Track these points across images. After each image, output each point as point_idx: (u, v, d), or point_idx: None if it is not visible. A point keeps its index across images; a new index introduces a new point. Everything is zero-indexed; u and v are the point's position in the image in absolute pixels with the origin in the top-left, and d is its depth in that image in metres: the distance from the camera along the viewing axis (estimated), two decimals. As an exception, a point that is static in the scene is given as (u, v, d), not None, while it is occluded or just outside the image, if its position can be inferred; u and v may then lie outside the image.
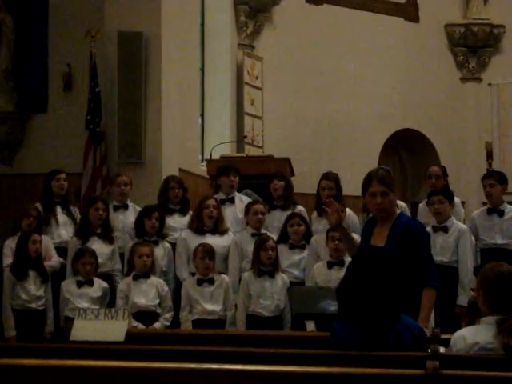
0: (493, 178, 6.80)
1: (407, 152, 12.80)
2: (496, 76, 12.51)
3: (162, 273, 6.49)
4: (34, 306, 6.29)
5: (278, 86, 11.33)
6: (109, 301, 6.27)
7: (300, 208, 6.96)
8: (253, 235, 6.52)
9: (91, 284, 6.23)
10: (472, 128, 12.64)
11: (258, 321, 6.01)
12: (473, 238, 6.64)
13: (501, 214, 6.73)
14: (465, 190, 10.96)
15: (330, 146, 11.59)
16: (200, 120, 10.60)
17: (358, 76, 11.87)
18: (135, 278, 6.16)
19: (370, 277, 3.41)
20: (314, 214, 6.92)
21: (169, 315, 6.16)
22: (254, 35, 11.32)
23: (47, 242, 6.64)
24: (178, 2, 9.01)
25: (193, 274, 6.34)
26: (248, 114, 10.96)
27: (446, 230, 6.43)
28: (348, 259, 5.67)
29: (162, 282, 6.25)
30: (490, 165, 10.69)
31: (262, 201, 6.88)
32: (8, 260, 6.56)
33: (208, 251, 6.10)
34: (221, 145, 9.19)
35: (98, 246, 6.53)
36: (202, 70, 10.77)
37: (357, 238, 5.08)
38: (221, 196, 6.98)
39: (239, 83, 11.01)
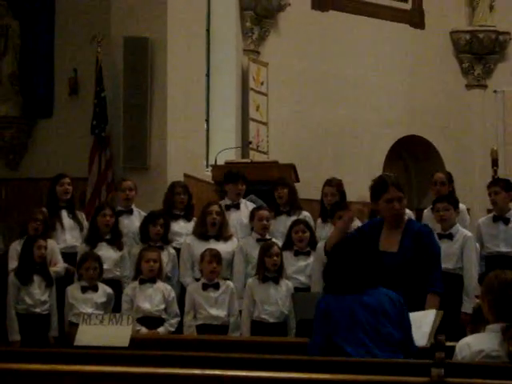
0: (498, 186, 6.79)
1: (412, 158, 12.79)
2: (501, 83, 12.48)
3: (166, 278, 6.49)
4: (38, 310, 6.29)
5: (284, 91, 11.33)
6: (117, 306, 6.24)
7: (305, 214, 6.96)
8: (258, 241, 6.52)
9: (96, 289, 6.23)
10: (477, 135, 12.62)
11: (262, 327, 6.00)
12: (478, 245, 6.63)
13: (506, 221, 6.72)
14: (470, 197, 10.93)
15: (335, 152, 11.59)
16: (205, 125, 10.61)
17: (363, 82, 11.87)
18: (141, 282, 6.16)
19: (350, 255, 3.84)
20: (319, 220, 6.92)
21: (174, 321, 6.16)
22: (259, 41, 11.33)
23: (53, 247, 6.64)
24: (184, 7, 9.02)
25: (196, 280, 6.34)
26: (253, 120, 10.97)
27: (450, 237, 6.42)
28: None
29: (168, 287, 6.25)
30: (495, 172, 10.65)
31: (267, 206, 6.89)
32: (14, 263, 6.57)
33: (215, 255, 6.12)
34: (226, 150, 9.19)
35: (105, 252, 6.54)
36: (208, 75, 10.78)
37: None
38: (226, 202, 6.98)
39: (244, 89, 11.02)
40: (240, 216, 6.98)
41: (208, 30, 10.83)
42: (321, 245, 6.45)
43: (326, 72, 11.64)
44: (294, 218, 6.75)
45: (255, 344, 4.42)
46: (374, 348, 3.70)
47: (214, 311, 6.06)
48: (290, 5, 11.30)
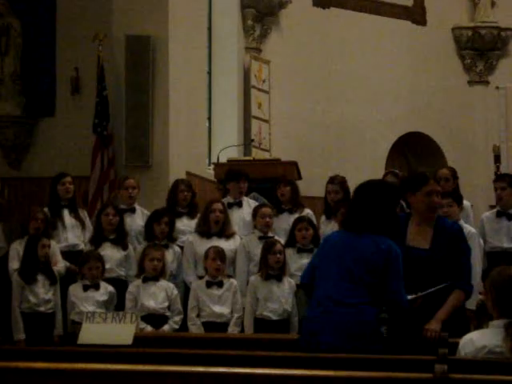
0: (504, 181, 6.78)
1: (414, 155, 12.78)
2: (503, 79, 12.47)
3: (171, 276, 6.49)
4: (42, 309, 6.30)
5: (285, 89, 11.33)
6: (120, 305, 6.24)
7: (307, 211, 6.96)
8: (260, 238, 6.52)
9: (97, 288, 6.23)
10: (479, 131, 12.62)
11: (265, 324, 6.00)
12: (481, 240, 6.62)
13: (510, 217, 6.71)
14: (472, 194, 10.93)
15: (338, 149, 11.59)
16: (207, 123, 10.61)
17: (364, 79, 11.86)
18: (145, 280, 6.16)
19: (362, 197, 4.21)
20: (323, 217, 6.92)
21: (178, 318, 6.16)
22: (261, 38, 11.33)
23: (54, 247, 6.63)
24: (186, 5, 9.02)
25: (200, 278, 6.34)
26: (255, 118, 10.97)
27: (455, 233, 6.41)
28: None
29: (171, 285, 6.26)
30: (497, 168, 10.66)
31: (270, 204, 6.89)
32: (14, 263, 6.57)
33: (220, 253, 6.13)
34: (228, 148, 9.19)
35: (110, 252, 6.54)
36: (210, 73, 10.78)
37: None
38: (229, 200, 6.98)
39: (246, 86, 11.02)
40: (242, 214, 6.98)
41: (209, 28, 10.83)
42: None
43: (327, 69, 11.64)
44: (296, 215, 6.75)
45: (258, 341, 4.42)
46: (340, 284, 4.01)
47: (217, 309, 6.07)
48: (291, 2, 11.31)
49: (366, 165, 11.01)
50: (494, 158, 11.15)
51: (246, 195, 7.17)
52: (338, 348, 3.83)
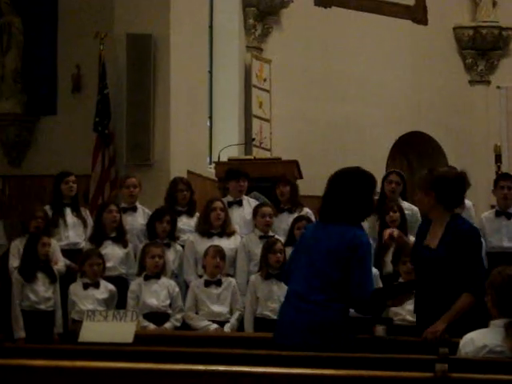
0: (510, 180, 6.76)
1: (416, 155, 12.77)
2: (505, 79, 12.47)
3: (173, 275, 6.49)
4: (42, 307, 6.30)
5: (286, 88, 11.33)
6: (122, 304, 6.24)
7: (306, 210, 6.96)
8: (260, 237, 6.52)
9: (97, 286, 6.23)
10: (480, 131, 12.61)
11: (265, 323, 6.00)
12: (483, 241, 6.60)
13: (509, 216, 6.70)
14: (473, 193, 10.92)
15: (339, 148, 11.58)
16: (208, 122, 10.62)
17: (365, 78, 11.86)
18: (146, 278, 6.16)
19: (332, 186, 4.23)
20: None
21: (179, 316, 6.16)
22: (262, 38, 11.34)
23: (54, 246, 6.63)
24: (187, 4, 9.02)
25: (199, 277, 6.34)
26: (256, 117, 10.97)
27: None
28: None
29: (172, 282, 6.26)
30: (498, 168, 10.65)
31: (270, 203, 6.88)
32: (15, 261, 6.57)
33: (220, 251, 6.13)
34: (229, 147, 9.19)
35: (111, 250, 6.53)
36: (211, 72, 10.78)
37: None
38: (229, 199, 6.98)
39: (247, 85, 11.02)
40: (242, 213, 6.97)
41: (211, 27, 10.84)
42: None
43: (329, 68, 11.63)
44: (295, 215, 6.75)
45: (258, 340, 4.42)
46: (306, 279, 4.00)
47: (216, 308, 6.07)
48: (292, 1, 11.31)
49: (366, 164, 10.83)
50: (494, 158, 11.14)
51: (247, 194, 7.17)
52: (300, 345, 3.85)
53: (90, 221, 7.07)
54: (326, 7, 11.87)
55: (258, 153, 10.32)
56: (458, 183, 4.49)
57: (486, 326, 3.53)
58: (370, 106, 11.85)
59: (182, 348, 4.00)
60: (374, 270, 5.31)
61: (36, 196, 8.27)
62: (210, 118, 10.77)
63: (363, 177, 4.26)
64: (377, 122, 11.89)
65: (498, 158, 10.99)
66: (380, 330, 5.11)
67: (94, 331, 4.29)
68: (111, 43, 8.45)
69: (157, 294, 6.12)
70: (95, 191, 8.16)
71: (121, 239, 6.63)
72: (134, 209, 7.03)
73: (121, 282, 6.47)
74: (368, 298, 4.01)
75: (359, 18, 12.01)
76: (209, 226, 6.56)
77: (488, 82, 12.82)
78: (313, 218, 6.83)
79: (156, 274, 6.16)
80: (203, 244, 6.43)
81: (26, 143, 8.91)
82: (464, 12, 12.88)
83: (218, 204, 6.59)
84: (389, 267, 6.38)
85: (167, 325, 6.06)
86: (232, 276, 6.38)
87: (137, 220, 6.97)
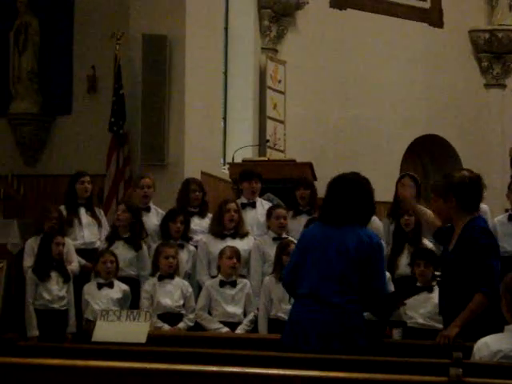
0: None
1: (430, 158, 12.73)
2: (520, 82, 12.43)
3: (186, 276, 6.50)
4: (56, 306, 6.32)
5: (301, 90, 11.31)
6: (133, 304, 6.25)
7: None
8: (274, 239, 6.51)
9: (111, 286, 6.25)
10: (496, 134, 12.55)
11: (279, 325, 5.98)
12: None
13: (522, 220, 6.67)
14: (488, 197, 10.87)
15: (353, 150, 11.55)
16: (222, 123, 10.62)
17: (381, 81, 11.83)
18: (160, 278, 6.17)
19: (340, 189, 4.18)
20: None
21: (192, 316, 6.17)
22: (277, 39, 11.33)
23: (68, 245, 6.65)
24: (203, 5, 9.04)
25: (213, 278, 6.34)
26: (270, 118, 10.96)
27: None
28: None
29: (186, 283, 6.27)
30: (514, 172, 10.59)
31: (284, 205, 6.88)
32: (29, 260, 6.59)
33: (236, 252, 6.14)
34: (243, 148, 9.19)
35: (122, 250, 6.53)
36: (225, 73, 10.79)
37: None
38: (242, 200, 6.98)
39: (262, 87, 11.01)
40: (256, 214, 6.97)
41: (226, 28, 10.84)
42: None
43: (343, 70, 11.61)
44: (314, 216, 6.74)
45: (272, 342, 4.42)
46: (324, 282, 3.96)
47: (230, 308, 6.07)
48: (308, 3, 11.29)
49: (380, 167, 10.97)
50: (510, 162, 11.08)
51: (261, 196, 7.16)
52: (323, 350, 3.81)
53: (104, 221, 7.09)
54: (341, 9, 11.85)
55: (271, 154, 10.31)
56: (476, 186, 4.52)
57: (500, 330, 3.51)
58: (384, 109, 11.82)
59: (195, 349, 4.00)
60: (387, 273, 5.31)
61: (51, 196, 8.31)
62: (225, 119, 10.77)
63: (366, 181, 4.29)
64: (391, 125, 11.86)
65: (514, 162, 10.92)
66: (396, 333, 5.11)
67: (108, 331, 4.30)
68: (127, 44, 8.48)
69: (171, 294, 6.13)
70: (109, 191, 8.18)
71: (133, 240, 6.62)
72: (148, 209, 7.04)
73: (131, 283, 6.47)
74: (384, 300, 4.03)
75: (374, 21, 11.98)
76: (222, 227, 6.56)
77: (504, 86, 12.75)
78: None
79: (169, 274, 6.18)
80: (216, 245, 6.44)
81: (41, 143, 8.95)
82: (480, 15, 12.82)
83: (232, 205, 6.59)
84: (401, 270, 6.38)
85: (181, 325, 6.06)
86: (245, 277, 6.38)
87: (150, 220, 6.98)
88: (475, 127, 12.52)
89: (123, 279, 6.42)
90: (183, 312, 6.15)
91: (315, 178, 8.21)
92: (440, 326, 4.68)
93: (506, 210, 7.48)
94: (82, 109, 8.84)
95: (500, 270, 4.27)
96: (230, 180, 8.31)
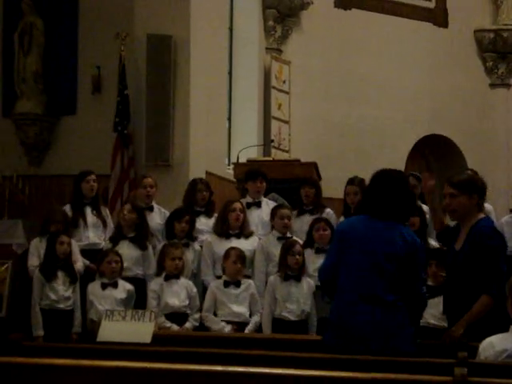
0: None
1: (435, 158, 12.72)
2: (525, 82, 12.42)
3: (192, 275, 6.50)
4: (62, 306, 6.32)
5: (306, 90, 11.32)
6: (138, 304, 6.25)
7: (328, 211, 6.95)
8: (278, 239, 6.51)
9: (115, 286, 6.25)
10: (500, 134, 12.54)
11: (283, 325, 5.99)
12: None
13: (528, 220, 6.66)
14: (492, 197, 10.85)
15: (358, 150, 11.56)
16: (227, 123, 10.63)
17: (385, 81, 11.83)
18: (166, 278, 6.18)
19: (384, 184, 4.17)
20: (342, 218, 6.90)
21: (198, 315, 6.18)
22: (281, 39, 11.33)
23: (73, 246, 6.66)
24: (207, 5, 9.04)
25: (217, 278, 6.34)
26: (275, 118, 10.97)
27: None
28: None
29: (190, 283, 6.27)
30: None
31: (289, 205, 6.88)
32: (34, 260, 6.60)
33: (241, 256, 6.12)
34: (247, 148, 9.19)
35: (127, 250, 6.53)
36: (230, 73, 10.80)
37: None
38: (248, 200, 6.98)
39: (267, 87, 11.02)
40: (261, 214, 6.97)
41: (231, 28, 10.85)
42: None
43: (348, 70, 11.61)
44: (317, 216, 6.74)
45: (277, 341, 4.42)
46: (373, 280, 3.90)
47: (235, 308, 6.07)
48: (312, 3, 11.30)
49: (385, 166, 10.94)
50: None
51: (265, 195, 7.16)
52: (381, 349, 3.77)
53: (109, 221, 7.09)
54: (345, 9, 11.86)
55: (276, 154, 10.31)
56: (485, 187, 4.64)
57: (506, 330, 3.51)
58: (389, 109, 11.81)
59: (199, 348, 4.00)
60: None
61: (56, 196, 8.32)
62: (229, 119, 10.78)
63: (407, 179, 4.31)
64: (396, 125, 11.85)
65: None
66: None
67: (113, 331, 4.31)
68: (131, 44, 8.49)
69: (177, 294, 6.13)
70: (114, 191, 8.19)
71: (139, 240, 6.63)
72: (151, 208, 7.05)
73: (137, 283, 6.47)
74: (422, 300, 4.09)
75: (379, 21, 11.98)
76: (227, 226, 6.56)
77: (508, 85, 12.75)
78: (334, 219, 6.83)
79: (175, 274, 6.18)
80: (221, 245, 6.44)
81: (46, 143, 8.96)
82: (485, 15, 12.81)
83: (238, 205, 6.59)
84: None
85: (187, 325, 6.07)
86: (249, 277, 6.38)
87: (154, 220, 6.98)
88: (480, 127, 12.51)
89: (129, 279, 6.42)
90: (189, 312, 6.15)
91: (320, 178, 8.21)
92: None
93: (511, 210, 7.46)
94: (87, 109, 8.85)
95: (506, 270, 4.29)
96: (234, 180, 8.32)
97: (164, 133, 8.40)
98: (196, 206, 6.92)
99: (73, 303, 6.35)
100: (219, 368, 3.28)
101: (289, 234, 6.57)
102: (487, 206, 6.94)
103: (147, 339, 4.22)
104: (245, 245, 6.46)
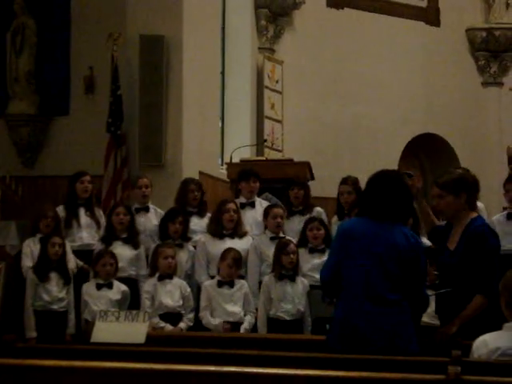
0: None
1: (428, 157, 12.74)
2: (518, 81, 12.44)
3: (186, 276, 6.50)
4: (55, 307, 6.31)
5: (299, 89, 11.32)
6: (132, 305, 6.25)
7: (318, 209, 6.96)
8: (272, 239, 6.51)
9: (110, 287, 6.24)
10: (493, 133, 12.56)
11: (278, 324, 6.00)
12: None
13: (521, 219, 6.68)
14: (486, 195, 10.88)
15: (351, 150, 11.57)
16: (220, 123, 10.62)
17: (378, 80, 11.84)
18: (160, 278, 6.18)
19: (384, 186, 4.11)
20: (335, 217, 6.91)
21: (191, 315, 6.20)
22: (274, 39, 11.33)
23: (65, 247, 6.65)
24: (200, 5, 9.04)
25: (211, 277, 6.35)
26: (268, 118, 10.96)
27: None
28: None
29: (184, 282, 6.29)
30: (511, 170, 10.61)
31: (282, 205, 6.88)
32: (26, 261, 6.59)
33: (237, 260, 6.12)
34: (241, 148, 9.19)
35: (121, 250, 6.52)
36: (223, 73, 10.79)
37: None
38: (241, 200, 6.98)
39: (259, 87, 11.02)
40: (255, 214, 6.97)
41: (223, 28, 10.84)
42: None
43: (341, 70, 11.62)
44: (306, 217, 6.75)
45: (271, 341, 4.42)
46: (377, 281, 3.89)
47: (229, 307, 6.07)
48: (304, 2, 11.30)
49: (378, 166, 10.79)
50: (507, 160, 11.10)
51: (259, 195, 7.16)
52: (386, 349, 3.76)
53: (103, 221, 7.08)
54: (338, 8, 11.86)
55: (269, 154, 10.31)
56: (477, 184, 4.56)
57: (499, 328, 3.52)
58: (381, 108, 11.83)
59: (193, 349, 4.00)
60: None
61: (49, 197, 8.29)
62: (222, 119, 10.77)
63: (406, 180, 4.28)
64: (389, 124, 11.87)
65: (511, 160, 10.94)
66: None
67: (107, 332, 4.30)
68: (124, 44, 8.47)
69: (171, 294, 6.14)
70: (107, 192, 8.18)
71: (132, 240, 6.63)
72: (147, 209, 7.05)
73: (130, 283, 6.47)
74: (425, 301, 4.09)
75: (371, 20, 11.99)
76: (221, 227, 6.56)
77: (501, 84, 12.77)
78: (324, 217, 6.84)
79: (169, 274, 6.19)
80: (215, 245, 6.44)
81: (38, 144, 8.95)
82: (477, 14, 12.84)
83: (231, 205, 6.59)
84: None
85: (181, 325, 6.08)
86: (243, 277, 6.38)
87: (150, 220, 6.98)
88: (472, 126, 12.53)
89: (123, 279, 6.41)
90: (183, 312, 6.16)
91: (313, 178, 8.22)
92: None
93: (504, 209, 7.48)
94: (80, 109, 8.83)
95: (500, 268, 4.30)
96: (227, 180, 8.32)
97: (157, 133, 8.39)
98: (188, 207, 6.91)
99: (66, 304, 6.35)
100: (214, 368, 3.28)
101: (282, 234, 6.57)
102: (479, 204, 6.93)
103: (141, 340, 4.22)
104: (239, 245, 6.47)
